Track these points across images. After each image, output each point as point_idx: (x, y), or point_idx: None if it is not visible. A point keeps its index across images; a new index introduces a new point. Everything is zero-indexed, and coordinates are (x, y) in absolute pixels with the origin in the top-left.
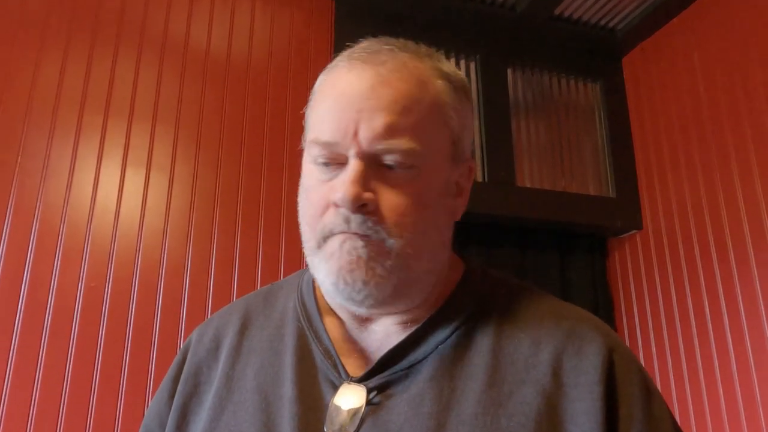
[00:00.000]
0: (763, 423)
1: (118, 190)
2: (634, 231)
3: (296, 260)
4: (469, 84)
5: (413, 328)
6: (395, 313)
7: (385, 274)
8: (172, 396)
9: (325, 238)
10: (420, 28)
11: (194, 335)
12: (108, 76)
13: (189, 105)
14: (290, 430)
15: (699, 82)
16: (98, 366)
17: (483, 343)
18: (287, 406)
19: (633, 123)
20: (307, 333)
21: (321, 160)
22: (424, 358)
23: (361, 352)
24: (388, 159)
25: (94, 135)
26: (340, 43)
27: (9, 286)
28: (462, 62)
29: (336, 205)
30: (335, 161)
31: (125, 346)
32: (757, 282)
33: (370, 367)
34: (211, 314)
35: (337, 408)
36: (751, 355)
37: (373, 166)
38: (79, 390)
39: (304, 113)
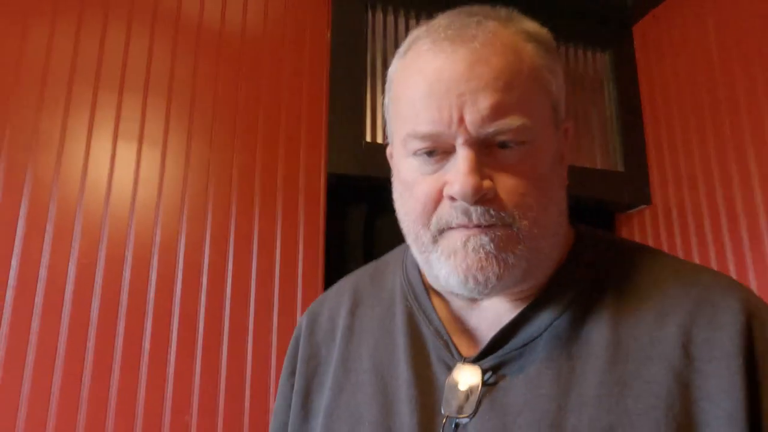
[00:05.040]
0: None
1: (109, 164)
2: (642, 206)
3: (293, 236)
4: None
5: (525, 305)
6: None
7: (516, 261)
8: (293, 390)
9: (441, 232)
10: None
11: (305, 320)
12: (97, 47)
13: (181, 76)
14: (408, 412)
15: (713, 50)
16: (91, 345)
17: (601, 317)
18: (404, 387)
19: (643, 94)
20: (417, 313)
21: (423, 152)
22: (539, 335)
23: (471, 332)
24: (501, 139)
25: (84, 107)
26: (337, 10)
27: None
28: None
29: (452, 198)
30: (440, 151)
31: (117, 324)
32: None
33: (482, 346)
34: (205, 291)
35: (452, 389)
36: None
37: (484, 150)
38: (71, 371)
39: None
